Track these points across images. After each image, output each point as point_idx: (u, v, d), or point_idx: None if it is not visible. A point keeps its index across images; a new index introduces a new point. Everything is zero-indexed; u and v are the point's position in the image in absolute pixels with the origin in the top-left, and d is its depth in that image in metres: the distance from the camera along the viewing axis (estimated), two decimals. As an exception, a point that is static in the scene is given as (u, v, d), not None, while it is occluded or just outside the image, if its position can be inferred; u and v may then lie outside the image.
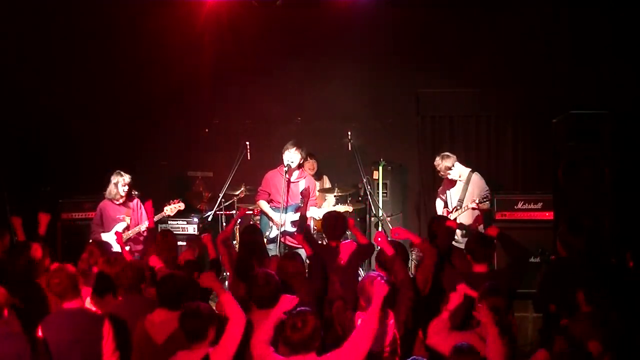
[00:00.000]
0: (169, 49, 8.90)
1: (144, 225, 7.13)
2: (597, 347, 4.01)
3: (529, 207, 7.76)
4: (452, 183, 7.61)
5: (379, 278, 4.42)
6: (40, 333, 4.47)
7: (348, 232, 7.23)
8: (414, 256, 7.38)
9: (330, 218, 6.03)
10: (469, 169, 7.50)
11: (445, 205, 7.66)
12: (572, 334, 4.10)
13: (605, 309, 4.32)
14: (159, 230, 7.70)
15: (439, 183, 7.90)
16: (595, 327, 4.11)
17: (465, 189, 7.42)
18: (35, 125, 8.76)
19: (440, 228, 5.62)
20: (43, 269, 5.36)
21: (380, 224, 8.28)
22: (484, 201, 7.24)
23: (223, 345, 4.06)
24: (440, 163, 7.53)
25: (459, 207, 7.40)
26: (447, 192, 7.68)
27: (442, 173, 7.58)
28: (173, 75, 9.03)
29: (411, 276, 5.28)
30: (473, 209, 7.24)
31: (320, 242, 6.63)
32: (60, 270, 4.57)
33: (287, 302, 4.17)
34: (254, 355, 4.10)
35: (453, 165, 7.50)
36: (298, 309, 4.05)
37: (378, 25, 8.69)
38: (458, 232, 6.91)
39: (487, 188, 7.45)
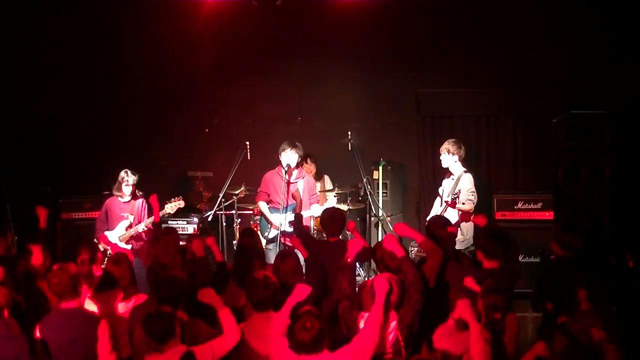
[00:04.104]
0: (169, 49, 8.91)
1: (142, 225, 7.17)
2: (600, 334, 4.01)
3: (529, 207, 7.76)
4: (448, 174, 7.54)
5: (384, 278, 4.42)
6: (38, 333, 4.48)
7: (348, 233, 7.26)
8: (413, 255, 7.36)
9: (328, 214, 6.02)
10: (464, 169, 7.46)
11: (441, 203, 7.62)
12: (571, 331, 4.10)
13: (605, 305, 4.32)
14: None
15: (439, 182, 7.88)
16: (597, 321, 4.11)
17: (454, 188, 7.38)
18: (35, 125, 8.76)
19: (441, 231, 5.46)
20: (44, 271, 5.37)
21: (380, 224, 8.28)
22: (454, 198, 7.06)
23: (210, 348, 4.10)
24: (447, 143, 7.43)
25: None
26: (443, 186, 7.61)
27: (440, 150, 7.49)
28: (173, 75, 9.04)
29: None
30: (452, 207, 7.16)
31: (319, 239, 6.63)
32: (61, 270, 4.57)
33: (302, 291, 4.28)
34: (270, 348, 4.13)
35: (452, 154, 7.37)
36: (303, 309, 4.09)
37: (378, 25, 8.67)
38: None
39: (474, 191, 7.24)
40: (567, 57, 8.27)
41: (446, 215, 7.04)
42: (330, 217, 5.94)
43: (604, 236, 6.71)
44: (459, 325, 4.36)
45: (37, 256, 5.55)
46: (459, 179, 7.34)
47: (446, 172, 7.63)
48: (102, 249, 6.89)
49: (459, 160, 7.43)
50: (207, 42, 8.98)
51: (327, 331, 4.02)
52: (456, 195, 7.08)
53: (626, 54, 7.94)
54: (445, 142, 7.49)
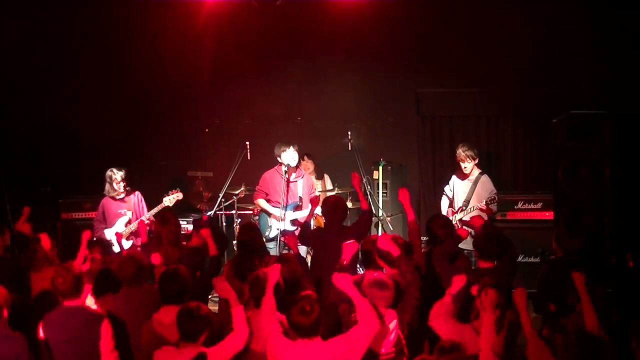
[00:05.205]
0: (169, 49, 8.90)
1: (142, 219, 7.17)
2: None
3: (529, 207, 7.76)
4: (463, 177, 7.51)
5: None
6: (41, 332, 4.48)
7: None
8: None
9: (330, 202, 6.04)
10: (479, 171, 7.47)
11: (450, 205, 7.60)
12: (569, 330, 4.10)
13: (603, 304, 4.32)
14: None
15: (440, 182, 7.87)
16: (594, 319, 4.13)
17: (472, 190, 7.35)
18: (35, 125, 8.76)
19: (441, 230, 5.43)
20: (50, 259, 5.40)
21: (380, 224, 8.28)
22: (492, 203, 7.13)
23: (223, 349, 4.10)
24: (467, 150, 7.32)
25: (464, 208, 7.32)
26: (454, 188, 7.57)
27: (460, 158, 7.36)
28: (173, 75, 9.03)
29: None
30: (481, 209, 7.15)
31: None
32: (65, 270, 4.55)
33: (275, 272, 4.33)
34: (264, 335, 4.13)
35: (474, 159, 7.34)
36: (302, 293, 4.11)
37: (378, 25, 8.66)
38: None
39: (495, 190, 7.32)
40: (567, 57, 8.26)
41: (473, 215, 7.07)
42: (333, 205, 5.96)
43: (604, 236, 6.72)
44: (455, 300, 4.40)
45: (45, 241, 5.61)
46: (477, 181, 7.35)
47: (452, 172, 7.62)
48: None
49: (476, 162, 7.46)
50: (207, 42, 8.98)
51: (323, 317, 4.02)
52: (494, 201, 7.11)
53: (626, 54, 7.93)
54: (463, 150, 7.34)
